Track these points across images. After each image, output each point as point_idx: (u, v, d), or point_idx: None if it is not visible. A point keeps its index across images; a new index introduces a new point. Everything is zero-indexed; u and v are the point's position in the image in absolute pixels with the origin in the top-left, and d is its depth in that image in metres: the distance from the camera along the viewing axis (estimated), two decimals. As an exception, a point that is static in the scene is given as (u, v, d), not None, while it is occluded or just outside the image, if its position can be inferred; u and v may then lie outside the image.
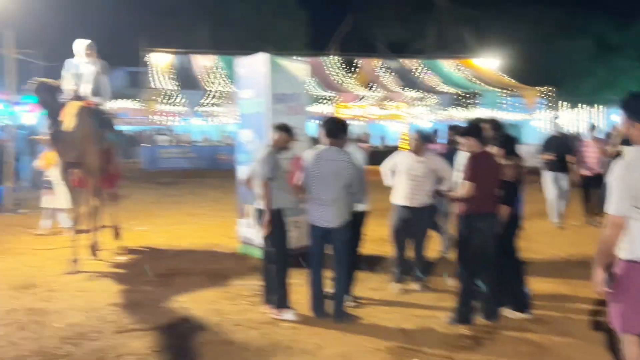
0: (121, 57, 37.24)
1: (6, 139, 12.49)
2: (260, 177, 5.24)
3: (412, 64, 30.03)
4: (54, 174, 8.65)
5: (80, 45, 7.67)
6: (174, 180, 18.33)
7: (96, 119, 7.42)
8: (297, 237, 6.27)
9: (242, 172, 7.87)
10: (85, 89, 7.54)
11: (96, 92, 7.62)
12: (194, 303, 5.75)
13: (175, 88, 23.67)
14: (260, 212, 5.38)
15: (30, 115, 16.44)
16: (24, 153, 13.27)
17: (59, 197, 8.67)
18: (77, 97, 7.38)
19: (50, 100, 6.89)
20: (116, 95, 35.32)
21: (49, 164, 8.81)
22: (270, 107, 7.26)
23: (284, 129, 5.46)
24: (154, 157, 22.32)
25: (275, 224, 5.26)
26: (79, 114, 7.07)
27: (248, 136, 7.73)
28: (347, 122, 5.60)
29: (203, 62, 23.98)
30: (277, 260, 5.32)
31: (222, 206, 12.16)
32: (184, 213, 11.52)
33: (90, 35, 7.74)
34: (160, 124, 28.37)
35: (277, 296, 5.32)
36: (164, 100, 27.86)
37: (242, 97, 7.91)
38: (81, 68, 7.62)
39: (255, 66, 7.62)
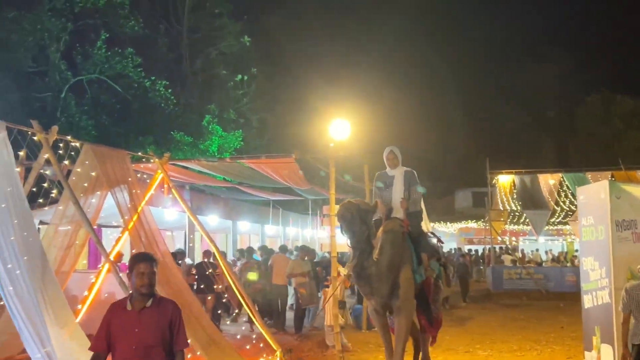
0: (468, 179, 39.38)
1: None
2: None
3: None
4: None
5: (384, 154, 6.73)
6: (519, 302, 18.14)
7: (413, 243, 6.37)
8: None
9: (587, 301, 7.63)
10: (395, 201, 6.44)
11: (408, 205, 6.41)
12: None
13: (520, 208, 23.74)
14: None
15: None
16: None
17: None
18: (387, 215, 6.26)
19: (357, 227, 5.67)
20: (462, 216, 37.13)
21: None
22: (612, 235, 7.02)
23: None
24: (499, 277, 22.38)
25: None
26: (389, 236, 5.96)
27: (590, 264, 7.52)
28: None
29: (548, 181, 23.66)
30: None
31: (569, 333, 11.60)
32: (529, 339, 11.27)
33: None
34: (506, 243, 28.50)
35: None
36: (509, 220, 28.05)
37: (582, 225, 7.82)
38: (387, 179, 6.68)
39: (594, 193, 7.54)
